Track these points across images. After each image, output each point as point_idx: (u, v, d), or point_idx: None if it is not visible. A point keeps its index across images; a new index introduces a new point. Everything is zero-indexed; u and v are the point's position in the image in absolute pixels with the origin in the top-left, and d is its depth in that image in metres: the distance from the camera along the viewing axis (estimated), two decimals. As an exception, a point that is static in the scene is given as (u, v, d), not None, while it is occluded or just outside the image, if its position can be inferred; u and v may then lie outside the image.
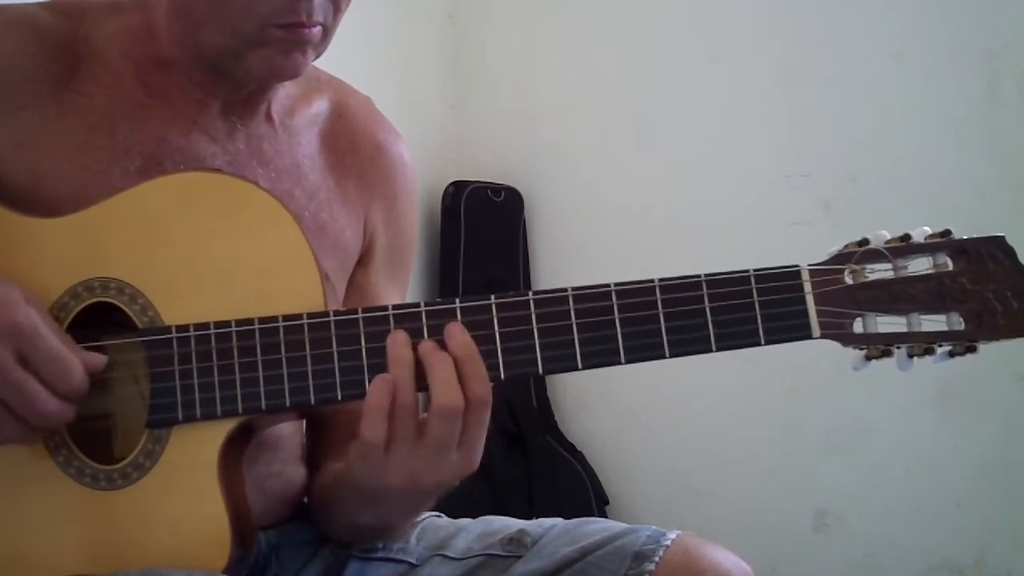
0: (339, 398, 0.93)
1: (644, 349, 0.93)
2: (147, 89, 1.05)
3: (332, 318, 0.94)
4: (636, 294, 0.93)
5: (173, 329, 0.95)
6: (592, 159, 2.76)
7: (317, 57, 1.04)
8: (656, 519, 1.23)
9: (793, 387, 2.53)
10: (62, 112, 1.02)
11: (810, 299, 0.92)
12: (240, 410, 0.94)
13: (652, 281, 0.93)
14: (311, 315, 0.94)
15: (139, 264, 0.96)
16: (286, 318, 0.94)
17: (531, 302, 0.93)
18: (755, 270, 0.93)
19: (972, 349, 0.92)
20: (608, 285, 0.93)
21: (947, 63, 2.38)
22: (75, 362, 0.91)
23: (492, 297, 0.93)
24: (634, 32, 2.69)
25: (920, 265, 0.92)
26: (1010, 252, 0.92)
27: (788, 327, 0.93)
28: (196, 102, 1.05)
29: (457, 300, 0.93)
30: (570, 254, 2.79)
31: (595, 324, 0.93)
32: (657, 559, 0.99)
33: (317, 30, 1.00)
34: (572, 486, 2.67)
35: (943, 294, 0.92)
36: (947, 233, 0.92)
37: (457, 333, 0.92)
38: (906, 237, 0.92)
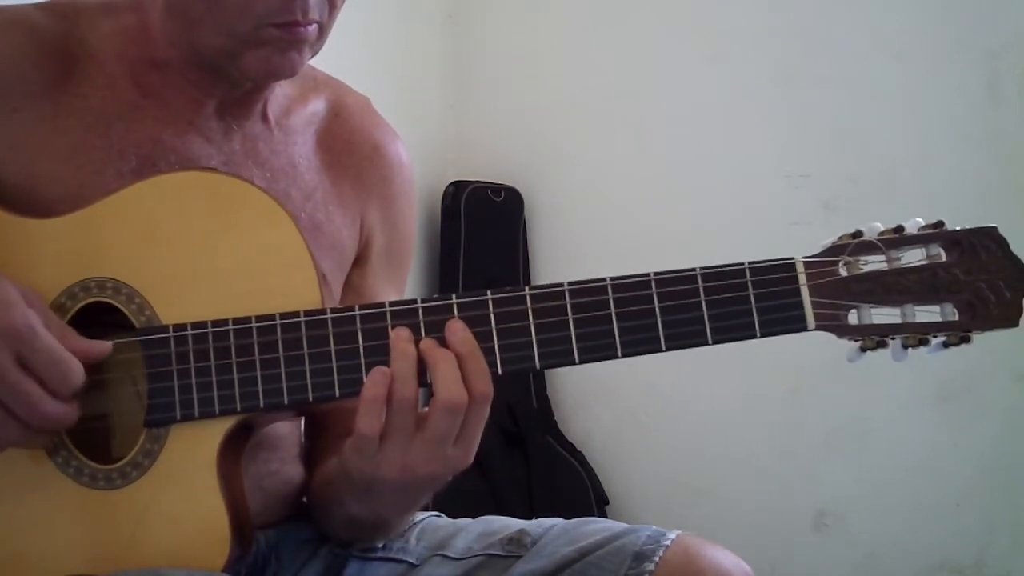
0: (337, 395, 0.93)
1: (640, 343, 0.93)
2: (142, 90, 1.04)
3: (329, 316, 0.94)
4: (632, 288, 0.93)
5: (170, 328, 0.95)
6: (592, 159, 2.76)
7: (313, 55, 1.04)
8: (656, 519, 1.23)
9: (793, 387, 2.53)
10: (57, 113, 1.01)
11: (805, 291, 0.93)
12: (238, 408, 0.94)
13: (648, 275, 0.93)
14: (308, 313, 0.94)
15: (136, 263, 0.96)
16: (283, 316, 0.94)
17: (527, 297, 0.93)
18: (750, 263, 0.93)
19: (966, 339, 0.92)
20: (604, 279, 0.93)
21: (947, 63, 2.39)
22: (74, 362, 0.90)
23: (488, 293, 0.93)
24: (634, 32, 2.69)
25: (913, 256, 0.93)
26: (1002, 242, 0.93)
27: (784, 319, 0.93)
28: (191, 102, 1.05)
29: (454, 296, 0.93)
30: (570, 254, 2.79)
31: (591, 318, 0.93)
32: (657, 559, 0.99)
33: (313, 28, 0.99)
34: (572, 486, 2.67)
35: (937, 285, 0.92)
36: (940, 224, 0.93)
37: (459, 329, 0.92)
38: (899, 229, 0.93)
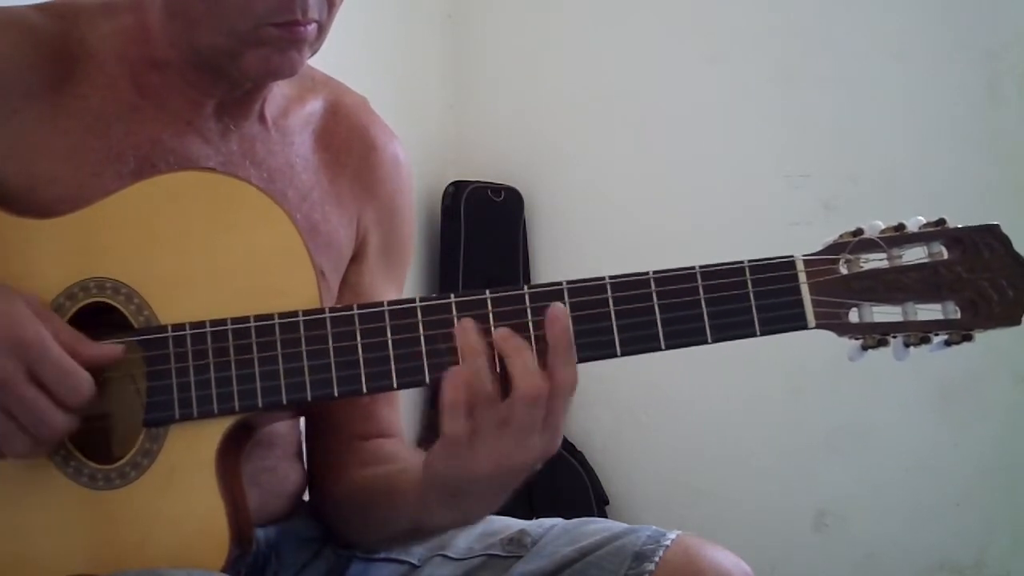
0: (336, 395, 0.93)
1: (640, 341, 0.92)
2: (141, 90, 1.04)
3: (328, 315, 0.93)
4: (631, 287, 0.93)
5: (169, 328, 0.94)
6: (592, 159, 2.76)
7: (313, 54, 1.04)
8: (656, 519, 1.23)
9: (793, 387, 2.53)
10: (56, 114, 1.01)
11: (805, 289, 0.92)
12: (237, 408, 0.94)
13: (647, 273, 0.93)
14: (307, 313, 0.94)
15: (134, 264, 0.96)
16: (281, 316, 0.94)
17: (526, 296, 0.93)
18: (750, 261, 0.93)
19: (968, 338, 0.91)
20: (603, 278, 0.93)
21: (947, 63, 2.39)
22: (84, 375, 0.91)
23: (487, 292, 0.93)
24: (634, 32, 2.69)
25: (915, 254, 0.92)
26: (1004, 240, 0.92)
27: (783, 317, 0.92)
28: (190, 103, 1.05)
29: (452, 295, 0.93)
30: (570, 254, 2.79)
31: (590, 317, 0.92)
32: (657, 559, 0.99)
33: (312, 28, 0.99)
34: (572, 486, 2.67)
35: (938, 283, 0.91)
36: (942, 222, 0.92)
37: (562, 315, 0.89)
38: (901, 227, 0.92)
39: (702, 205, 2.61)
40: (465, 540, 1.10)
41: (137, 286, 0.96)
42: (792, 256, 0.93)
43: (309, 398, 0.93)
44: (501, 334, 0.90)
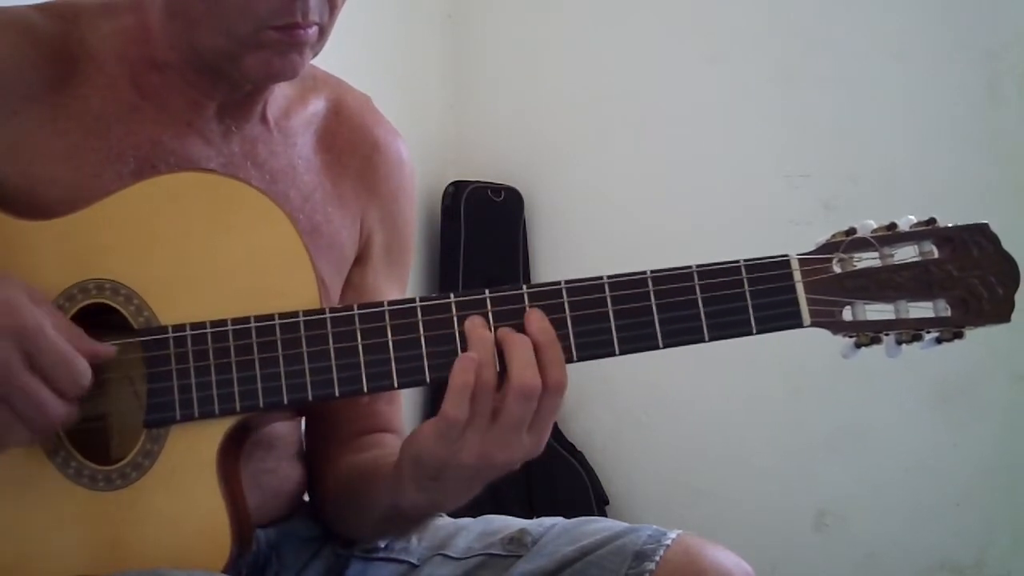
0: (336, 395, 0.93)
1: (638, 340, 0.93)
2: (141, 91, 1.04)
3: (328, 315, 0.94)
4: (629, 286, 0.93)
5: (169, 329, 0.94)
6: (592, 159, 2.76)
7: (314, 56, 1.03)
8: (656, 519, 1.23)
9: (793, 387, 2.53)
10: (56, 115, 1.01)
11: (800, 288, 0.93)
12: (238, 408, 0.94)
13: (644, 272, 0.93)
14: (307, 313, 0.94)
15: (134, 265, 0.96)
16: (282, 316, 0.94)
17: (525, 295, 0.93)
18: (745, 260, 0.94)
19: (959, 335, 0.93)
20: (601, 277, 0.94)
21: (947, 63, 2.39)
22: (83, 363, 0.90)
23: (486, 292, 0.93)
24: (634, 32, 2.69)
25: (906, 253, 0.94)
26: (994, 239, 0.93)
27: (779, 315, 0.93)
28: (191, 104, 1.05)
29: (452, 295, 0.93)
30: (570, 254, 2.79)
31: (589, 316, 0.93)
32: (658, 559, 0.99)
33: (313, 30, 0.99)
34: (572, 486, 2.67)
35: (930, 281, 0.93)
36: (932, 221, 0.94)
37: (537, 319, 0.92)
38: (892, 226, 0.94)
39: (702, 205, 2.61)
40: (465, 539, 1.10)
41: (137, 287, 0.96)
42: (787, 255, 0.94)
43: (310, 398, 0.94)
44: (504, 329, 0.92)
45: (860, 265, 0.93)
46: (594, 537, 1.04)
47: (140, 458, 0.95)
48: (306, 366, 0.93)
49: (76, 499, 0.95)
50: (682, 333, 0.93)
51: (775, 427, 2.57)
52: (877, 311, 0.93)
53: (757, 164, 2.57)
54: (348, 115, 1.16)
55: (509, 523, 1.11)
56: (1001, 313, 0.92)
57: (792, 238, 2.37)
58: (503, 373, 0.90)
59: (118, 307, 0.96)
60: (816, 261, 0.93)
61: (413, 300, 0.94)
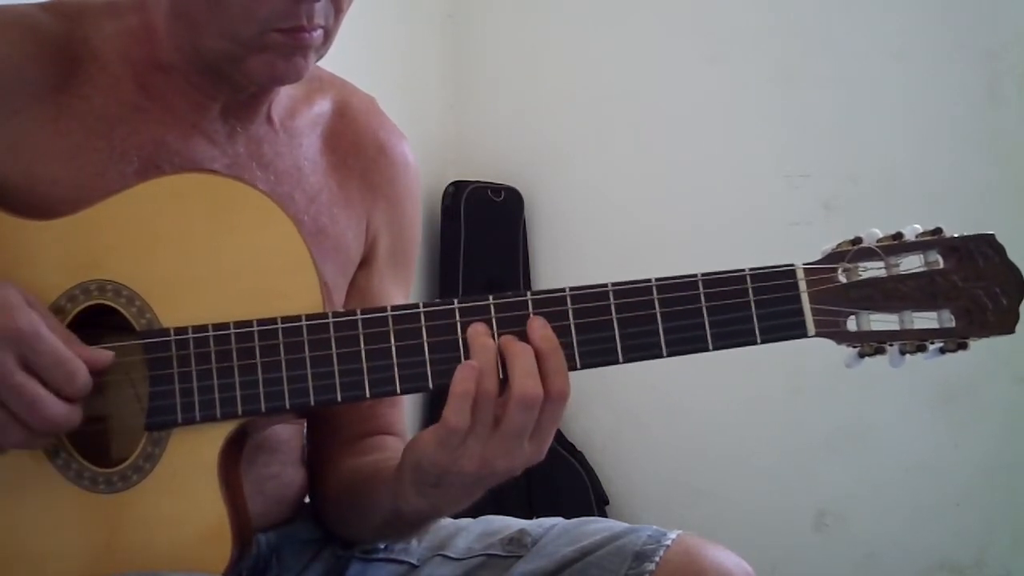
0: (339, 399, 0.93)
1: (642, 348, 0.93)
2: (145, 92, 1.04)
3: (331, 320, 0.93)
4: (633, 294, 0.93)
5: (171, 331, 0.94)
6: (592, 159, 2.76)
7: (319, 59, 1.03)
8: (656, 519, 1.23)
9: (793, 387, 2.53)
10: (59, 114, 1.01)
11: (805, 298, 0.93)
12: (240, 412, 0.93)
13: (649, 280, 0.93)
14: (310, 317, 0.94)
15: (136, 266, 0.96)
16: (284, 320, 0.94)
17: (529, 302, 0.93)
18: (751, 269, 0.93)
19: (963, 346, 0.93)
20: (605, 285, 0.93)
21: (947, 63, 2.39)
22: (79, 364, 0.90)
23: (491, 297, 0.93)
24: (634, 32, 2.69)
25: (912, 263, 0.93)
26: (1000, 249, 0.93)
27: (784, 326, 0.93)
28: (195, 105, 1.04)
29: (455, 301, 0.93)
30: (570, 254, 2.79)
31: (593, 324, 0.93)
32: (658, 559, 0.99)
33: (318, 34, 0.98)
34: (572, 486, 2.67)
35: (934, 292, 0.92)
36: (938, 231, 0.93)
37: (540, 327, 0.92)
38: (898, 235, 0.93)
39: (702, 205, 2.62)
40: (465, 540, 1.10)
41: (139, 289, 0.96)
42: (793, 265, 0.94)
43: (312, 403, 0.93)
44: (507, 338, 0.91)
45: (865, 275, 0.93)
46: (594, 537, 1.04)
47: (141, 461, 0.95)
48: (308, 371, 0.93)
49: (77, 501, 0.95)
50: (686, 342, 0.93)
51: (775, 427, 2.57)
52: (881, 321, 0.93)
53: (757, 164, 2.57)
54: (353, 117, 1.16)
55: (509, 523, 1.11)
56: (1005, 324, 0.92)
57: (792, 238, 2.37)
58: (506, 381, 0.90)
59: (120, 308, 0.96)
60: (821, 271, 0.93)
61: (417, 306, 0.93)
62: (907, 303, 0.92)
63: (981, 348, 0.94)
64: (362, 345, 0.93)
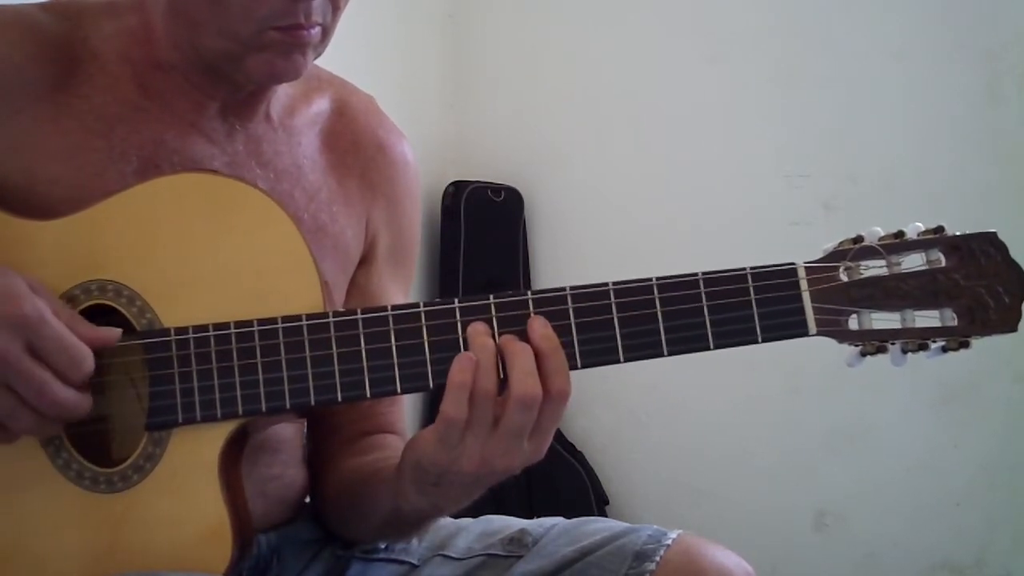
0: (339, 399, 0.93)
1: (643, 348, 0.93)
2: (145, 91, 1.04)
3: (331, 319, 0.93)
4: (634, 293, 0.93)
5: (172, 331, 0.94)
6: (592, 159, 2.76)
7: (317, 57, 1.03)
8: (656, 519, 1.23)
9: (793, 387, 2.53)
10: (58, 114, 1.01)
11: (806, 296, 0.93)
12: (240, 412, 0.93)
13: (650, 280, 0.93)
14: (310, 316, 0.94)
15: (136, 266, 0.96)
16: (285, 319, 0.94)
17: (530, 302, 0.93)
18: (752, 268, 0.93)
19: (965, 344, 0.93)
20: (606, 284, 0.93)
21: (947, 63, 2.39)
22: (84, 350, 0.90)
23: (491, 297, 0.93)
24: (634, 32, 2.69)
25: (913, 261, 0.93)
26: (1002, 247, 0.93)
27: (785, 324, 0.93)
28: (194, 104, 1.05)
29: (456, 300, 0.93)
30: (570, 254, 2.79)
31: (593, 324, 0.93)
32: (658, 559, 0.99)
33: (316, 31, 0.99)
34: (572, 486, 2.67)
35: (936, 290, 0.92)
36: (940, 229, 0.93)
37: (540, 326, 0.92)
38: (900, 234, 0.93)
39: (702, 205, 2.62)
40: (465, 540, 1.10)
41: (140, 289, 0.96)
42: (794, 264, 0.93)
43: (312, 402, 0.93)
44: (506, 337, 0.91)
45: (867, 273, 0.93)
46: (594, 537, 1.04)
47: (141, 461, 0.95)
48: (309, 370, 0.93)
49: (77, 501, 0.95)
50: (687, 341, 0.93)
51: (775, 427, 2.57)
52: (883, 320, 0.92)
53: (757, 164, 2.57)
54: (352, 116, 1.16)
55: (509, 523, 1.11)
56: (1008, 322, 0.92)
57: (792, 238, 2.37)
58: (506, 380, 0.90)
59: (120, 308, 0.96)
60: (823, 269, 0.93)
61: (417, 305, 0.93)
62: (909, 301, 0.92)
63: (981, 347, 0.94)
64: (363, 345, 0.93)
